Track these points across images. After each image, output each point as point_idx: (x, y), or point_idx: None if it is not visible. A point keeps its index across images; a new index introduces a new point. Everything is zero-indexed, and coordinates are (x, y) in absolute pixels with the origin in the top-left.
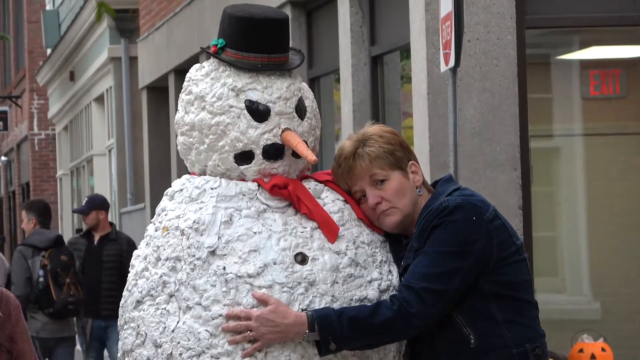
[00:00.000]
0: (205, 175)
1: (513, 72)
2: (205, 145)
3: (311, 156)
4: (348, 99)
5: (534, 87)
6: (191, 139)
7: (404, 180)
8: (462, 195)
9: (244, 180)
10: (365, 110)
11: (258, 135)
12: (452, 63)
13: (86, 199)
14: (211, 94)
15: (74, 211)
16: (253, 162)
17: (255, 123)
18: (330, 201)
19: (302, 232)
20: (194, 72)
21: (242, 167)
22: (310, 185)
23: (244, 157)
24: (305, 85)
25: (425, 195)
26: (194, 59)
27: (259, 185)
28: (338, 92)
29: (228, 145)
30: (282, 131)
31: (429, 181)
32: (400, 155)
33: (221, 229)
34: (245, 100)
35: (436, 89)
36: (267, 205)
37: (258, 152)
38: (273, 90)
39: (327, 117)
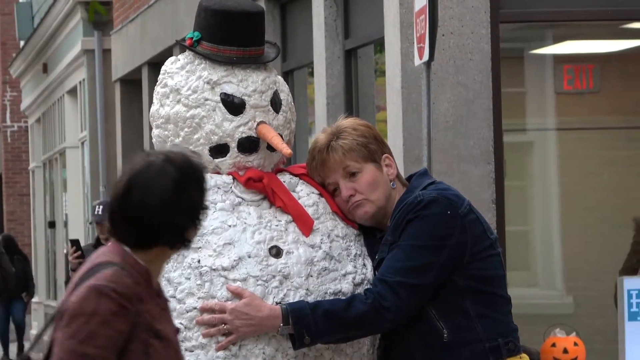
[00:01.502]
0: None
1: (487, 66)
2: (181, 138)
3: (286, 149)
4: (322, 92)
5: (507, 82)
6: (166, 132)
7: (378, 173)
8: (437, 189)
9: (219, 173)
10: (339, 103)
11: (233, 128)
12: (426, 57)
13: (100, 205)
14: (186, 87)
15: (92, 222)
16: (228, 155)
17: (230, 116)
18: (305, 194)
19: (276, 226)
20: (169, 64)
21: (217, 160)
22: (285, 178)
23: (219, 150)
24: (280, 78)
25: (400, 189)
26: (168, 52)
27: (233, 178)
28: (312, 85)
29: (203, 138)
30: (257, 124)
31: (403, 175)
32: (374, 148)
33: None
34: (221, 94)
35: (410, 82)
36: (242, 199)
37: (233, 145)
38: (248, 84)
39: (301, 110)
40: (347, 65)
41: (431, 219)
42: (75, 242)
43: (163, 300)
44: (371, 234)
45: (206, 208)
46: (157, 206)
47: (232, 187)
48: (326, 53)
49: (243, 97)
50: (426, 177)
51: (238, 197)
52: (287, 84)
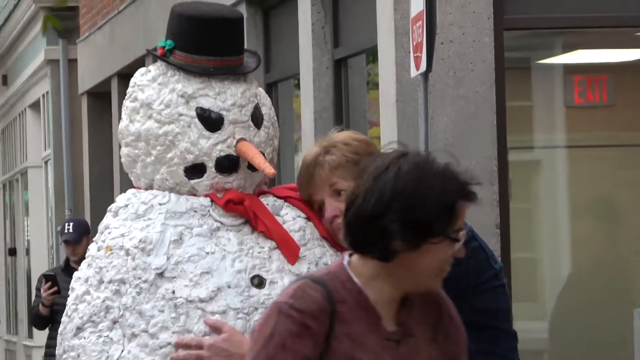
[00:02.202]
0: (152, 189)
1: (490, 78)
2: (152, 157)
3: (269, 169)
4: (309, 106)
5: (513, 94)
6: (136, 151)
7: None
8: None
9: (195, 195)
10: (328, 118)
11: (210, 146)
12: (423, 67)
13: (71, 223)
14: (158, 101)
15: (64, 241)
16: (205, 175)
17: (207, 133)
18: (291, 218)
19: (259, 253)
20: (139, 76)
21: (193, 182)
22: (269, 201)
23: (195, 170)
24: (262, 91)
25: None
26: (140, 62)
27: (211, 201)
28: (298, 98)
29: (177, 157)
30: (237, 142)
31: None
32: (361, 169)
33: (170, 248)
34: (196, 108)
35: (406, 95)
36: (221, 223)
37: (210, 164)
38: (227, 97)
39: (286, 126)
40: (337, 76)
41: None
42: (51, 278)
43: (398, 331)
44: None
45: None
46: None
47: (210, 211)
48: (313, 63)
49: (221, 112)
50: None
51: (217, 221)
52: (271, 97)
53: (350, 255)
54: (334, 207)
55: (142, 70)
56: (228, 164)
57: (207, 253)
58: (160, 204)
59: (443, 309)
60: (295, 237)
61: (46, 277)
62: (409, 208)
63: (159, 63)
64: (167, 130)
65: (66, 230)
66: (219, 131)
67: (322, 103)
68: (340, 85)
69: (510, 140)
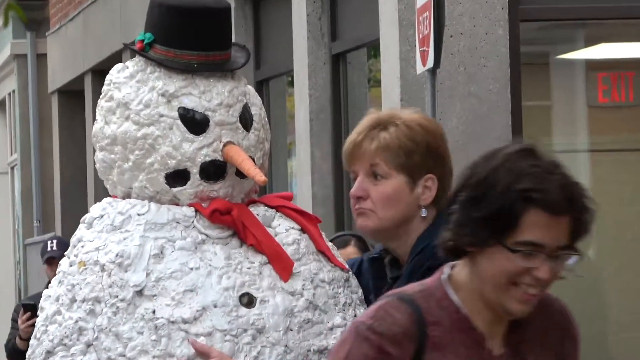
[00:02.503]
0: (130, 198)
1: (505, 74)
2: (130, 163)
3: (259, 176)
4: (304, 106)
5: (530, 93)
6: (112, 155)
7: (404, 190)
8: None
9: (178, 204)
10: (325, 119)
11: (194, 150)
12: (430, 63)
13: (54, 240)
14: (137, 101)
15: (48, 259)
16: (188, 183)
17: (190, 136)
18: (284, 230)
19: (248, 268)
20: (115, 73)
21: (175, 190)
22: (259, 211)
23: (177, 177)
24: (251, 89)
25: (429, 221)
26: (117, 57)
27: (196, 211)
28: (292, 97)
29: (158, 162)
30: (224, 145)
31: None
32: (417, 160)
33: (150, 263)
34: (179, 108)
35: (411, 94)
36: (206, 235)
37: (195, 170)
38: (212, 96)
39: (279, 128)
40: (335, 72)
41: None
42: (30, 307)
43: (506, 354)
44: (381, 274)
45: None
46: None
47: (194, 222)
48: (309, 58)
49: (206, 113)
50: None
51: (201, 233)
52: (261, 96)
53: (452, 267)
54: (362, 187)
55: (118, 66)
56: (214, 170)
57: (191, 269)
58: (139, 215)
59: (566, 332)
60: (289, 250)
61: (25, 307)
62: (471, 200)
63: (137, 58)
64: (147, 133)
65: (49, 248)
66: (203, 134)
67: (318, 102)
68: (339, 82)
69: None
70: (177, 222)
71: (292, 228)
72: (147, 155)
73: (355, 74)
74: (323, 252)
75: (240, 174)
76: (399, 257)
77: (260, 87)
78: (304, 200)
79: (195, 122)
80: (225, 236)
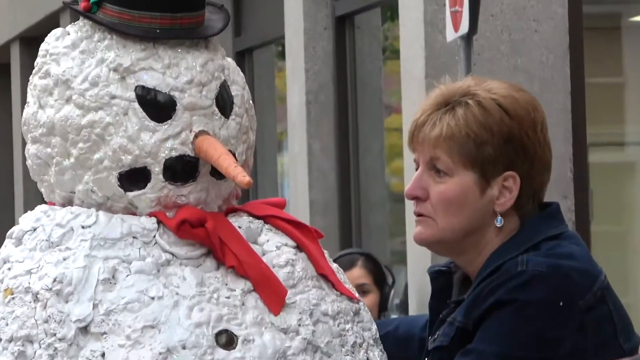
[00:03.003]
0: (72, 206)
1: (562, 43)
2: (73, 160)
3: (242, 176)
4: (299, 84)
5: (595, 67)
6: (49, 149)
7: (472, 191)
8: (554, 254)
9: (134, 214)
10: (326, 101)
11: (157, 142)
12: (464, 28)
13: None
14: (81, 77)
15: None
16: (149, 185)
17: (151, 123)
18: (274, 248)
19: (227, 298)
20: (52, 41)
21: (131, 194)
22: (242, 222)
23: (134, 177)
24: (232, 63)
25: (508, 232)
26: (52, 21)
27: (159, 222)
28: (283, 73)
29: (109, 158)
30: (195, 136)
31: None
32: (490, 153)
33: (98, 291)
34: (136, 87)
35: (439, 68)
36: (172, 255)
37: (157, 169)
38: (180, 71)
39: (265, 113)
40: (339, 40)
41: (530, 311)
42: None
43: None
44: (445, 292)
45: None
46: None
47: (157, 237)
48: (305, 22)
49: (172, 93)
50: (552, 222)
51: (166, 252)
52: (243, 72)
53: None
54: (420, 185)
55: (56, 32)
56: (182, 169)
57: (152, 298)
58: (83, 227)
59: None
60: (280, 274)
61: None
62: None
63: (81, 22)
64: (94, 120)
65: None
66: (168, 121)
67: (317, 79)
68: (344, 53)
69: (592, 134)
70: (134, 237)
71: (285, 245)
72: (94, 149)
73: (365, 42)
74: (325, 277)
75: (217, 174)
76: (470, 276)
77: (242, 59)
78: (299, 208)
79: (157, 106)
80: (197, 255)
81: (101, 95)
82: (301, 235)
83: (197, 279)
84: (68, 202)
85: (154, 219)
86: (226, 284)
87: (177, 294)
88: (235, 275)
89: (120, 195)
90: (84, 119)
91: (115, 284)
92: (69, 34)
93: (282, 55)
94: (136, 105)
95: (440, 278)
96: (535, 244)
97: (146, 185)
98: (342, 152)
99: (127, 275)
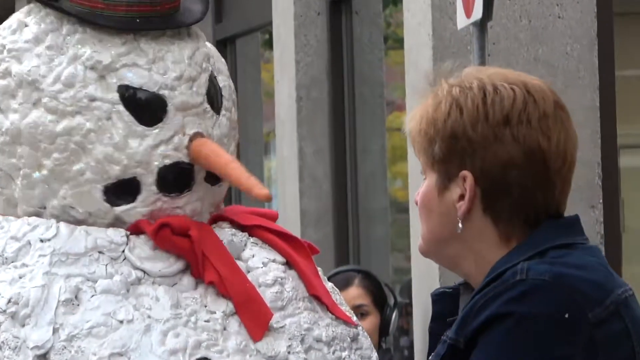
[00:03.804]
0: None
1: (589, 30)
2: (46, 171)
3: (258, 188)
4: (289, 77)
5: (627, 58)
6: (14, 160)
7: (432, 193)
8: (561, 262)
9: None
10: (320, 97)
11: (147, 149)
12: (478, 14)
13: None
14: (52, 77)
15: None
16: (139, 198)
17: (140, 128)
18: (260, 264)
19: (207, 322)
20: (8, 35)
21: (119, 209)
22: (224, 235)
23: (121, 190)
24: (212, 48)
25: (505, 244)
26: (6, 7)
27: (127, 235)
28: (270, 65)
29: (91, 170)
30: (190, 140)
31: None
32: (440, 151)
33: (59, 314)
34: (119, 87)
35: (449, 58)
36: (144, 272)
37: (149, 180)
38: (167, 66)
39: (250, 110)
40: (334, 28)
41: (531, 325)
42: None
43: None
44: (440, 314)
45: None
46: None
47: (126, 251)
48: (295, 7)
49: (161, 92)
50: (566, 231)
51: (136, 269)
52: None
53: None
54: (421, 189)
55: (10, 24)
56: (176, 178)
57: (121, 322)
58: (42, 241)
59: None
60: (268, 295)
61: None
62: None
63: (41, 12)
64: (71, 126)
65: None
66: (159, 124)
67: (309, 72)
68: (341, 42)
69: (623, 134)
70: (100, 252)
71: (273, 261)
72: (72, 160)
73: (365, 29)
74: (319, 298)
75: (211, 179)
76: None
77: (223, 49)
78: (288, 219)
79: (145, 108)
80: (173, 272)
81: (78, 98)
82: (291, 250)
83: (172, 300)
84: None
85: (122, 232)
86: (205, 306)
87: (149, 317)
88: (216, 296)
89: (105, 211)
90: (59, 126)
91: (78, 305)
92: (27, 26)
93: (269, 44)
94: (121, 107)
95: (444, 300)
96: (540, 252)
97: (135, 198)
98: (338, 155)
99: (92, 296)
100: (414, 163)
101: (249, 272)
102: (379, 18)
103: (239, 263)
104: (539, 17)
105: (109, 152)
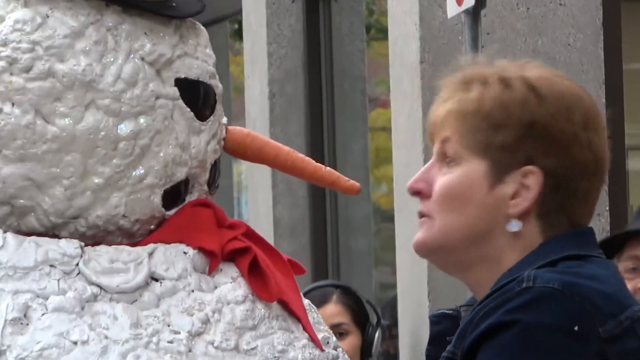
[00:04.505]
0: (59, 233)
1: (593, 19)
2: (100, 180)
3: (349, 183)
4: (260, 70)
5: (635, 50)
6: (55, 170)
7: (480, 183)
8: (572, 272)
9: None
10: (295, 93)
11: (205, 145)
12: (470, 1)
13: None
14: (111, 75)
15: None
16: (188, 198)
17: (197, 123)
18: (228, 279)
19: (170, 343)
20: (33, 29)
21: (169, 213)
22: (182, 246)
23: (177, 191)
24: None
25: (525, 247)
26: None
27: (82, 246)
28: (240, 58)
29: (154, 174)
30: (226, 130)
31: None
32: (508, 140)
33: (6, 335)
34: (176, 81)
35: (438, 51)
36: (100, 287)
37: (203, 179)
38: (208, 53)
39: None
40: (311, 17)
41: (536, 334)
42: None
43: None
44: (440, 340)
45: None
46: None
47: (81, 265)
48: None
49: (210, 82)
50: (580, 242)
51: (92, 284)
52: None
53: None
54: (422, 177)
55: (24, 14)
56: (216, 174)
57: (75, 343)
58: None
59: None
60: (237, 313)
61: None
62: None
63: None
64: (139, 129)
65: None
66: (211, 117)
67: (283, 66)
68: (318, 32)
69: (631, 134)
70: (51, 266)
71: (241, 276)
72: (134, 166)
73: (345, 18)
74: (297, 317)
75: None
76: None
77: None
78: (260, 228)
79: (204, 101)
80: (132, 288)
81: (145, 97)
82: (267, 259)
83: (132, 319)
84: (53, 229)
85: (76, 242)
86: (169, 325)
87: (106, 337)
88: (180, 314)
89: (158, 217)
90: (124, 129)
91: (27, 325)
92: (48, 17)
93: (238, 34)
94: (181, 103)
95: (444, 322)
96: (552, 261)
97: (185, 199)
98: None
99: (43, 314)
100: (400, 166)
101: (216, 287)
102: (361, 5)
103: (205, 279)
104: (538, 4)
105: (177, 153)
